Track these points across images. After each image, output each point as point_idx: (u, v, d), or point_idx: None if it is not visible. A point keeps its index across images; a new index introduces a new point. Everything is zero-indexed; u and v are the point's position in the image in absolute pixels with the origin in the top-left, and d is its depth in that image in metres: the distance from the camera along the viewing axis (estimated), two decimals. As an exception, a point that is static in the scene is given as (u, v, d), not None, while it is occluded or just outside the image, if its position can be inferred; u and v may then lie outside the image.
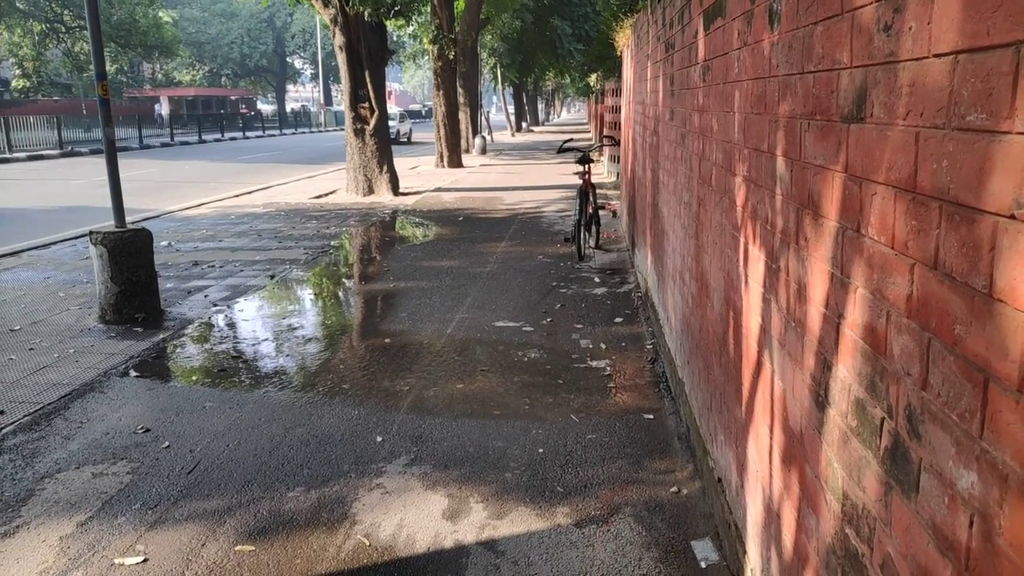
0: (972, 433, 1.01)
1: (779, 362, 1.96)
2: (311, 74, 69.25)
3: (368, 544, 2.77)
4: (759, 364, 2.19)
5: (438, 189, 14.60)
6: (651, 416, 3.87)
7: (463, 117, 23.07)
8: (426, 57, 22.99)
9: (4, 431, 3.78)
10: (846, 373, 1.47)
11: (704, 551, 2.70)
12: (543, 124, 55.07)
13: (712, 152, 2.94)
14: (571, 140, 9.35)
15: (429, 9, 18.32)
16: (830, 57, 1.55)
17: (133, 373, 4.61)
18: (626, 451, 3.48)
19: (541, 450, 3.49)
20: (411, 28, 20.63)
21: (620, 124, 10.44)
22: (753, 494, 2.28)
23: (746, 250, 2.34)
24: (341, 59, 12.99)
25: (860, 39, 1.39)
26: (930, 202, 1.12)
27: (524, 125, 42.66)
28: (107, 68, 5.88)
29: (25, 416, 3.95)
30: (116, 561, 2.68)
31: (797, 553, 1.82)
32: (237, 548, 2.75)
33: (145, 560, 2.69)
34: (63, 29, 36.01)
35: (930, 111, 1.11)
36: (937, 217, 1.10)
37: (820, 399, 1.63)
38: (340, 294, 6.89)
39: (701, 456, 3.22)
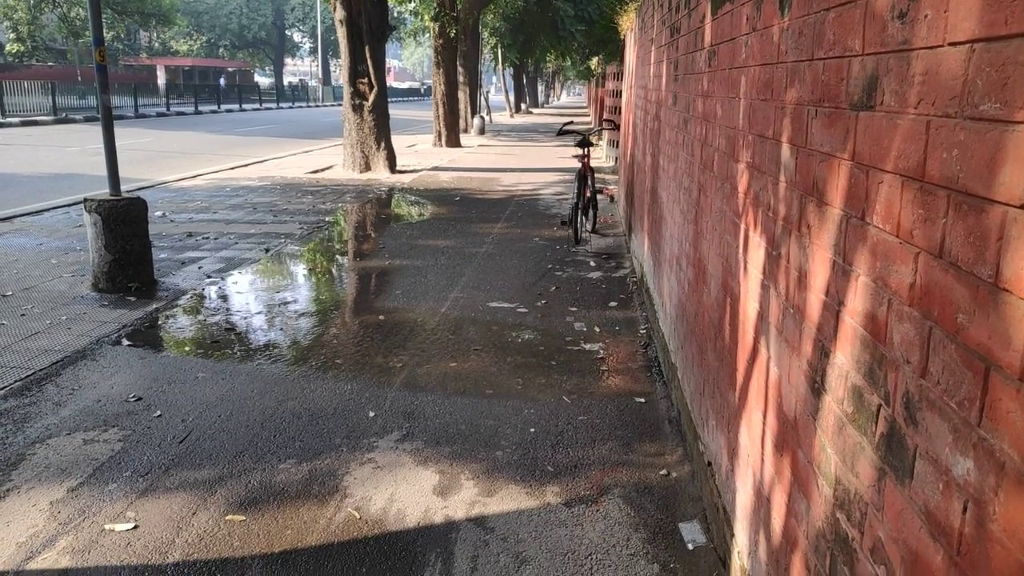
0: (970, 421, 1.02)
1: (775, 348, 1.97)
2: (310, 48, 68.64)
3: (359, 517, 2.78)
4: (755, 350, 2.20)
5: (435, 168, 14.54)
6: (643, 400, 3.89)
7: (462, 96, 22.95)
8: (427, 34, 22.79)
9: (-5, 395, 3.77)
10: (844, 360, 1.48)
11: (692, 533, 2.73)
12: (542, 106, 54.81)
13: (715, 138, 2.94)
14: (571, 123, 9.32)
15: (431, -15, 18.15)
16: (841, 44, 1.55)
17: (126, 342, 4.60)
18: (617, 433, 3.50)
19: (532, 430, 3.51)
20: (412, 4, 20.43)
21: (620, 108, 10.40)
22: (743, 478, 2.30)
23: (746, 237, 2.34)
24: (341, 33, 12.87)
25: (873, 26, 1.39)
26: (938, 191, 1.12)
27: (523, 107, 42.44)
28: (104, 34, 5.81)
29: (16, 382, 3.94)
30: (107, 527, 2.69)
31: (786, 537, 1.84)
32: (228, 517, 2.76)
33: (136, 527, 2.69)
34: (59, -7, 35.51)
35: (942, 100, 1.11)
36: (945, 206, 1.10)
37: (816, 385, 1.64)
38: (334, 270, 6.88)
39: (691, 440, 3.24)
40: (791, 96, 1.89)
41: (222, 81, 45.17)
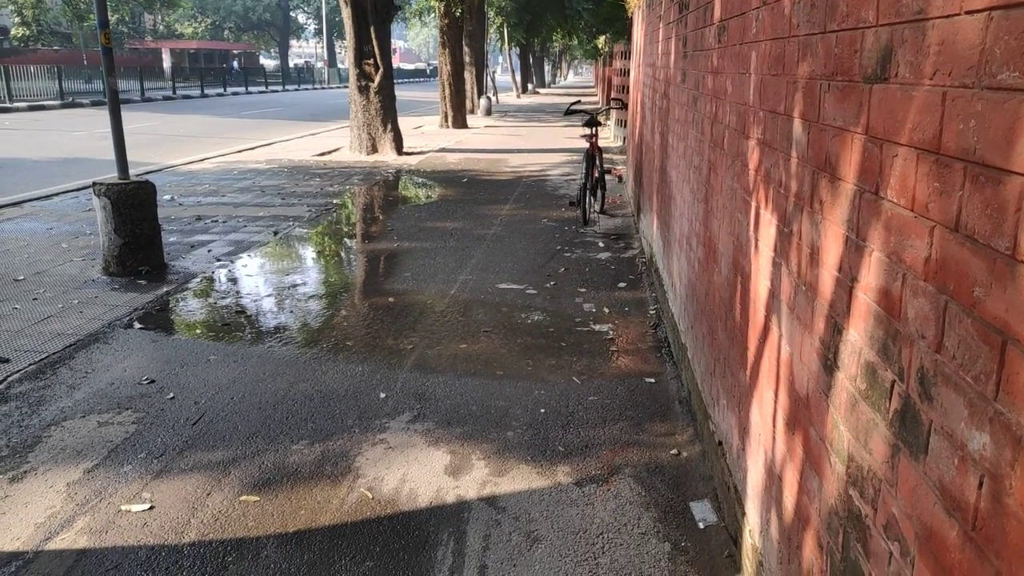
0: (987, 395, 1.01)
1: (787, 326, 1.96)
2: (315, 29, 68.28)
3: (371, 497, 2.81)
4: (766, 328, 2.19)
5: (442, 149, 14.49)
6: (652, 380, 3.89)
7: (468, 77, 22.79)
8: (432, 14, 22.62)
9: (10, 379, 3.80)
10: (857, 337, 1.47)
11: (703, 512, 2.74)
12: (549, 86, 54.44)
13: (725, 115, 2.91)
14: (578, 103, 9.25)
15: (436, -35, 17.99)
16: (855, 16, 1.52)
17: (137, 325, 4.63)
18: (627, 413, 3.51)
19: (543, 410, 3.52)
20: (418, -16, 20.25)
21: (628, 87, 10.32)
22: (754, 457, 2.30)
23: (757, 214, 2.32)
24: (346, 14, 12.79)
25: (888, -4, 1.36)
26: (954, 163, 1.11)
27: (530, 87, 42.17)
28: (108, 17, 5.79)
29: (30, 365, 3.98)
30: (123, 508, 2.72)
31: (798, 514, 1.84)
32: (242, 498, 2.79)
33: (151, 507, 2.72)
34: (63, -23, 35.41)
35: (959, 70, 1.09)
36: (961, 178, 1.08)
37: (829, 363, 1.63)
38: (343, 252, 6.88)
39: (702, 420, 3.24)
40: (803, 70, 1.87)
41: (235, 64, 45.54)
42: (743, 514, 2.43)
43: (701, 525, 2.67)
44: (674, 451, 3.17)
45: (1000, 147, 0.98)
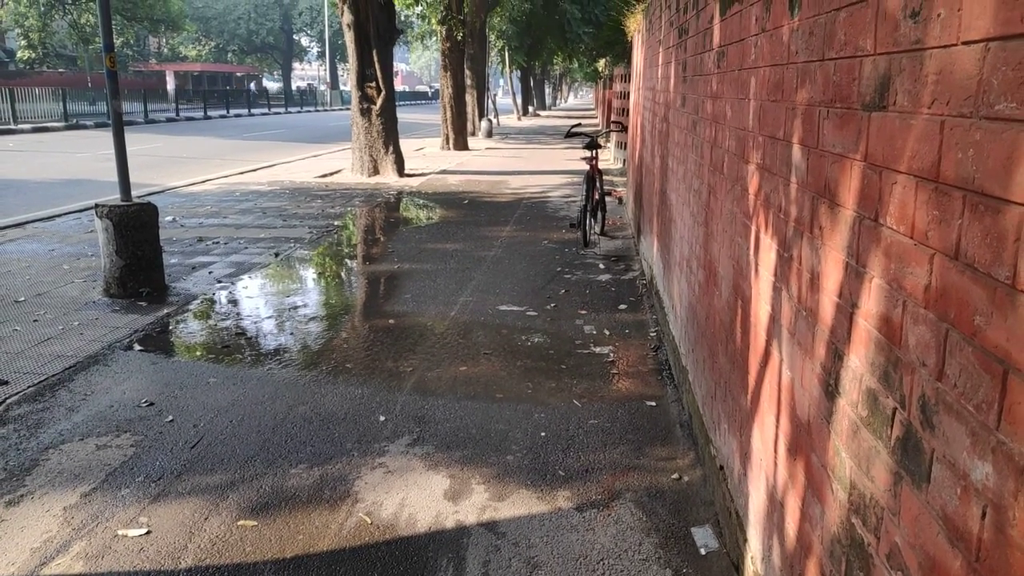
0: (989, 424, 1.00)
1: (788, 351, 1.96)
2: (317, 52, 68.94)
3: (370, 522, 2.78)
4: (767, 353, 2.19)
5: (443, 171, 14.55)
6: (653, 403, 3.88)
7: (470, 99, 22.98)
8: (434, 38, 22.85)
9: (8, 401, 3.79)
10: (858, 363, 1.47)
11: (704, 538, 2.71)
12: (550, 109, 54.82)
13: (725, 139, 2.92)
14: (579, 125, 9.31)
15: (438, -11, 18.21)
16: (852, 44, 1.54)
17: (137, 347, 4.62)
18: (628, 437, 3.49)
19: (543, 434, 3.50)
20: (420, 7, 20.48)
21: (628, 110, 10.39)
22: (756, 482, 2.28)
23: (757, 238, 2.32)
24: (349, 37, 12.92)
25: (885, 26, 1.37)
26: (953, 192, 1.11)
27: (531, 109, 42.46)
28: (114, 40, 5.85)
29: (30, 387, 3.96)
30: (119, 532, 2.70)
31: (800, 541, 1.82)
32: (240, 523, 2.77)
33: (148, 532, 2.70)
34: (69, 0, 35.80)
35: (957, 100, 1.10)
36: (960, 207, 1.09)
37: (830, 389, 1.62)
38: (344, 274, 6.89)
39: (703, 444, 3.22)
40: (802, 97, 1.88)
41: (252, 86, 46.50)
42: (745, 540, 2.40)
43: (703, 551, 2.64)
44: (675, 476, 3.15)
45: (999, 177, 0.99)
